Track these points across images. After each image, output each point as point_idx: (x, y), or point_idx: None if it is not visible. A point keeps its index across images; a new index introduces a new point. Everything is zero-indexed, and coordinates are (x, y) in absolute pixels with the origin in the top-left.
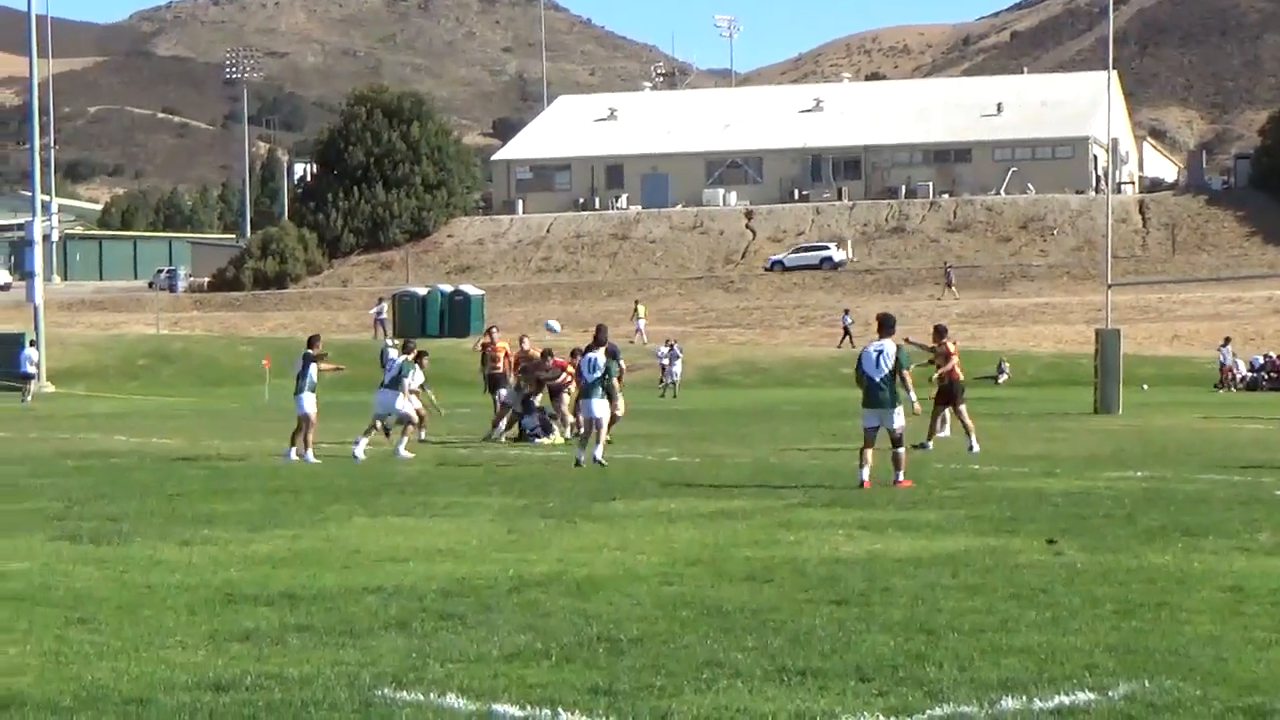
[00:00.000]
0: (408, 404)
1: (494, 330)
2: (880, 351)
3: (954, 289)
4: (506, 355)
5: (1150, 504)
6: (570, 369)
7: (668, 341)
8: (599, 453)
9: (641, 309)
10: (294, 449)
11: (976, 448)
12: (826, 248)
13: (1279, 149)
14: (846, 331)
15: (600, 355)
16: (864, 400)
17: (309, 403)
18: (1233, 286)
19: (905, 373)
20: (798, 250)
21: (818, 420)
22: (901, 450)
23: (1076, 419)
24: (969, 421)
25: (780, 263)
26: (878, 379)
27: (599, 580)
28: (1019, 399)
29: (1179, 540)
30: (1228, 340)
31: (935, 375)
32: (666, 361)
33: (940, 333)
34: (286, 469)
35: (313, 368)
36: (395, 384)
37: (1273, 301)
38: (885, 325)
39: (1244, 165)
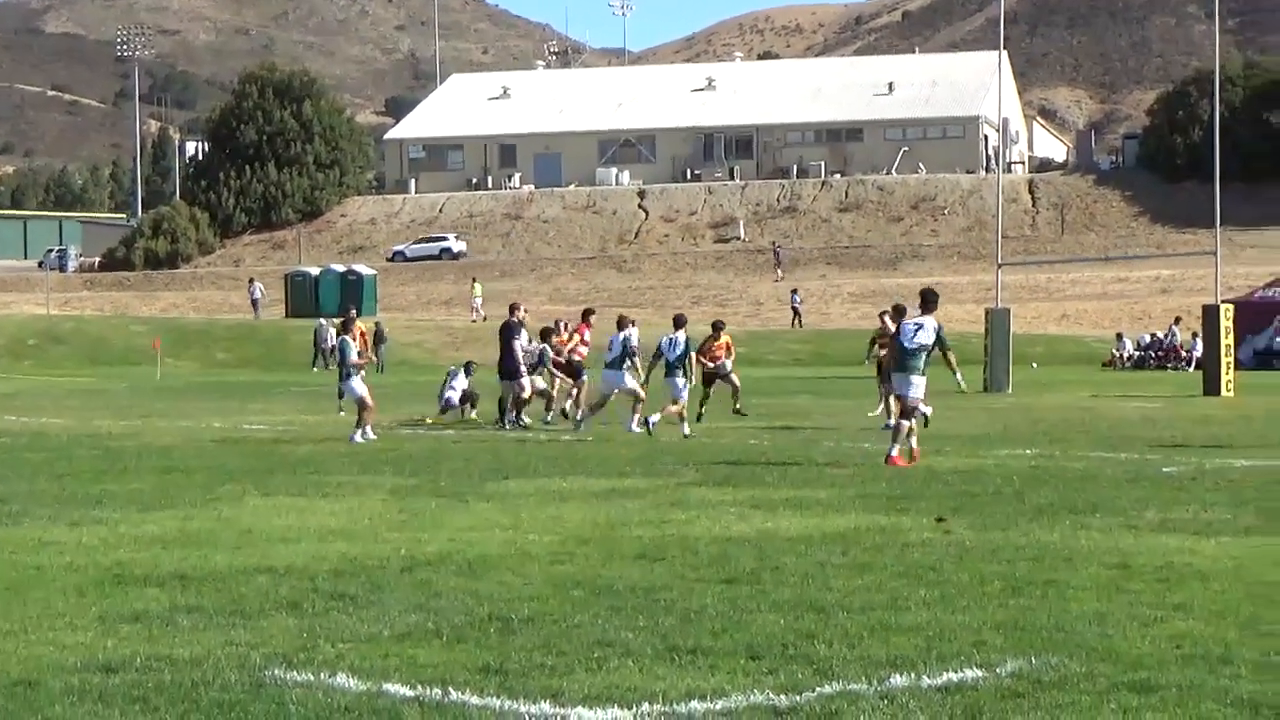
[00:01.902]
0: (361, 386)
1: (352, 311)
2: (920, 327)
3: (782, 269)
4: (363, 335)
5: (1038, 482)
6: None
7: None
8: (654, 419)
9: (478, 288)
10: (359, 431)
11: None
12: (445, 239)
13: (1166, 129)
14: (796, 312)
15: (682, 335)
16: (894, 366)
17: (359, 386)
18: (1120, 266)
19: (949, 353)
20: (420, 241)
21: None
22: (905, 423)
23: (966, 397)
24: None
25: (401, 253)
26: (909, 346)
27: (490, 560)
28: None
29: (1066, 518)
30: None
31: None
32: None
33: (900, 312)
34: (179, 449)
35: (352, 350)
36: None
37: (1160, 281)
38: (928, 301)
39: (1132, 145)
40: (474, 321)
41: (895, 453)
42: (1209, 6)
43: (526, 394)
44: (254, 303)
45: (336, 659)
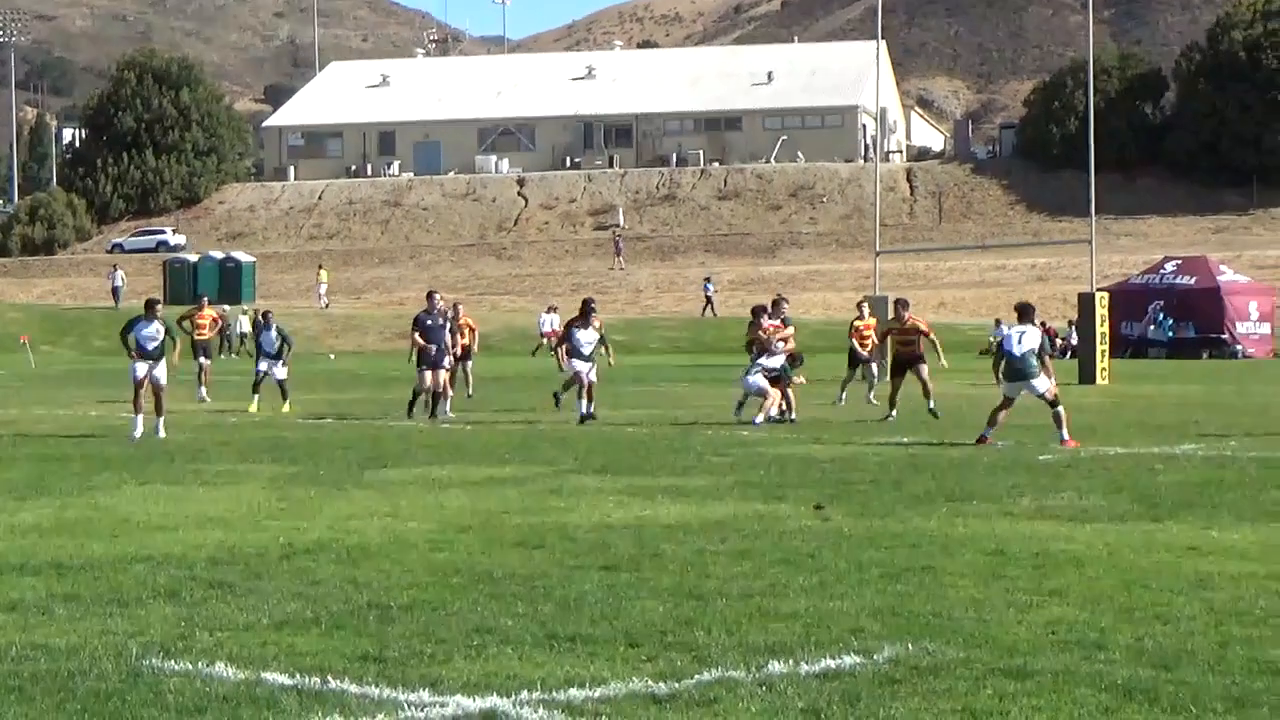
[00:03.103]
0: (283, 370)
1: (205, 298)
2: (1023, 333)
3: (622, 258)
4: (214, 321)
5: (916, 469)
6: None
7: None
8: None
9: (324, 274)
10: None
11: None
12: (163, 232)
13: (1042, 119)
14: (709, 300)
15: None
16: (1007, 374)
17: (581, 366)
18: (997, 254)
19: (1047, 357)
20: (138, 234)
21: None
22: (1060, 409)
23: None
24: (930, 384)
25: (120, 245)
26: (1019, 354)
27: (369, 548)
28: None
29: (943, 505)
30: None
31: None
32: None
33: (902, 305)
34: (55, 437)
35: (580, 339)
36: (278, 356)
37: (1036, 269)
38: (1025, 314)
39: (1009, 135)
40: (322, 308)
41: (1066, 435)
42: None
43: (440, 386)
44: (114, 291)
45: (215, 648)
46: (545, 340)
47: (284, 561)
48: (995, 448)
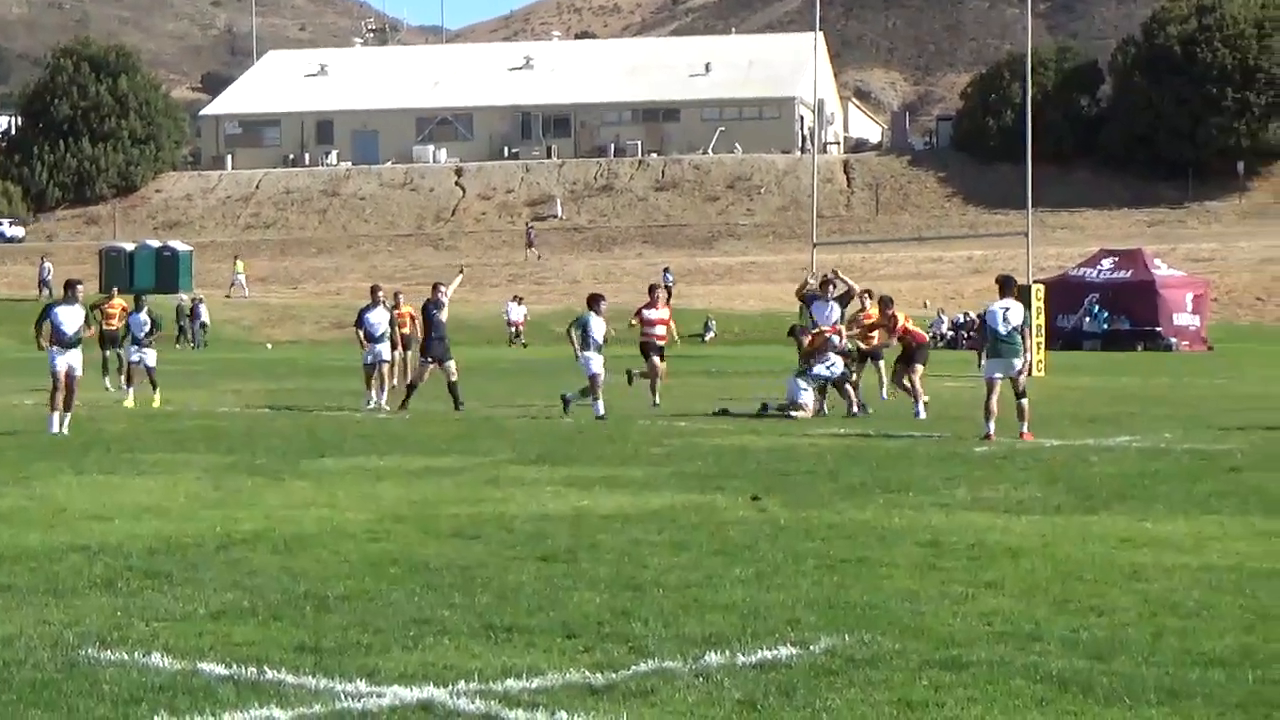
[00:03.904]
0: (152, 355)
1: (115, 289)
2: (1007, 309)
3: (534, 249)
4: (124, 311)
5: (852, 460)
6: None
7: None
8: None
9: (240, 264)
10: (600, 403)
11: (923, 414)
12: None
13: (979, 112)
14: (668, 290)
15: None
16: (991, 353)
17: (597, 363)
18: (934, 246)
19: (1027, 330)
20: None
21: (528, 378)
22: (1025, 401)
23: (782, 376)
24: (919, 387)
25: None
26: (1004, 332)
27: (306, 538)
28: (725, 356)
29: (879, 496)
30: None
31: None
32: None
33: (886, 303)
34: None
35: (594, 327)
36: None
37: (972, 261)
38: (1007, 286)
39: (945, 127)
40: (227, 298)
41: (1027, 429)
42: None
43: (454, 375)
44: (42, 282)
45: (151, 638)
46: (514, 330)
47: (220, 552)
48: (992, 443)
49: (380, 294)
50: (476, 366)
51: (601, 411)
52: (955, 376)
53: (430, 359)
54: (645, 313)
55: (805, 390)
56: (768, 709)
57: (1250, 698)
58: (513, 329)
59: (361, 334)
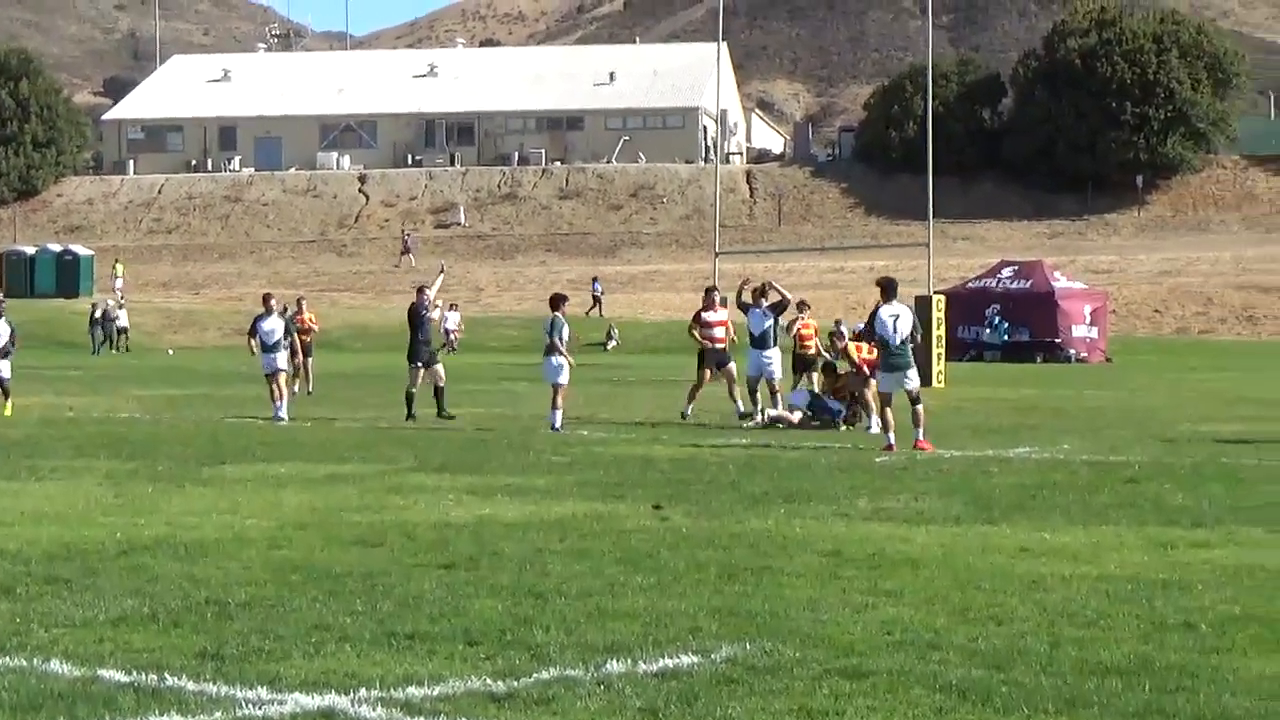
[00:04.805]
0: (7, 365)
1: None
2: (896, 317)
3: (411, 256)
4: None
5: (754, 470)
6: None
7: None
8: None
9: (119, 268)
10: (559, 414)
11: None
12: None
13: (881, 123)
14: (596, 300)
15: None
16: (884, 367)
17: (566, 372)
18: (836, 257)
19: (918, 337)
20: None
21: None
22: (920, 408)
23: (685, 385)
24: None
25: None
26: (895, 344)
27: (207, 544)
28: (628, 365)
29: (781, 505)
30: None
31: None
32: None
33: (838, 336)
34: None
35: (565, 330)
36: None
37: (874, 271)
38: (891, 289)
39: (848, 138)
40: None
41: (923, 436)
42: (924, 3)
43: (442, 381)
44: None
45: (50, 644)
46: (451, 338)
47: (121, 558)
48: (894, 453)
49: (273, 302)
50: (398, 373)
51: (558, 424)
52: None
53: (418, 364)
54: (704, 315)
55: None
56: (669, 717)
57: (1147, 707)
58: (449, 335)
59: (255, 342)
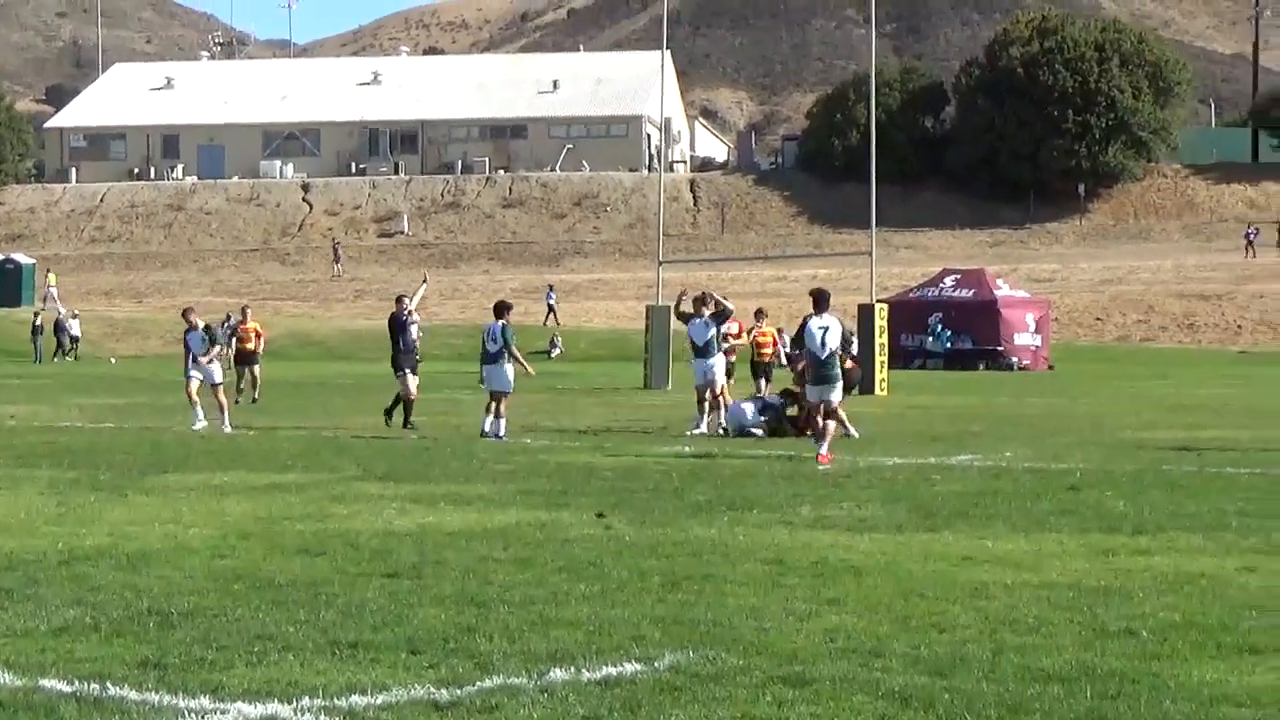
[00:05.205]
0: None
1: None
2: (825, 329)
3: (341, 264)
4: None
5: (697, 478)
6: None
7: (227, 315)
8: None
9: (52, 277)
10: (503, 421)
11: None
12: None
13: (824, 131)
14: (550, 309)
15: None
16: (811, 378)
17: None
18: (779, 265)
19: (849, 348)
20: None
21: (373, 394)
22: (831, 423)
23: (627, 394)
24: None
25: None
26: (824, 356)
27: (150, 553)
28: (572, 374)
29: (724, 514)
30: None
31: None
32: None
33: (758, 316)
34: None
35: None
36: None
37: (817, 280)
38: (822, 301)
39: (791, 146)
40: (65, 312)
41: (825, 450)
42: (867, 11)
43: (414, 394)
44: None
45: None
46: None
47: (63, 567)
48: (831, 462)
49: (193, 317)
50: (342, 381)
51: (502, 433)
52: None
53: (404, 371)
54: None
55: (748, 414)
56: None
57: (1088, 714)
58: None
59: (190, 357)
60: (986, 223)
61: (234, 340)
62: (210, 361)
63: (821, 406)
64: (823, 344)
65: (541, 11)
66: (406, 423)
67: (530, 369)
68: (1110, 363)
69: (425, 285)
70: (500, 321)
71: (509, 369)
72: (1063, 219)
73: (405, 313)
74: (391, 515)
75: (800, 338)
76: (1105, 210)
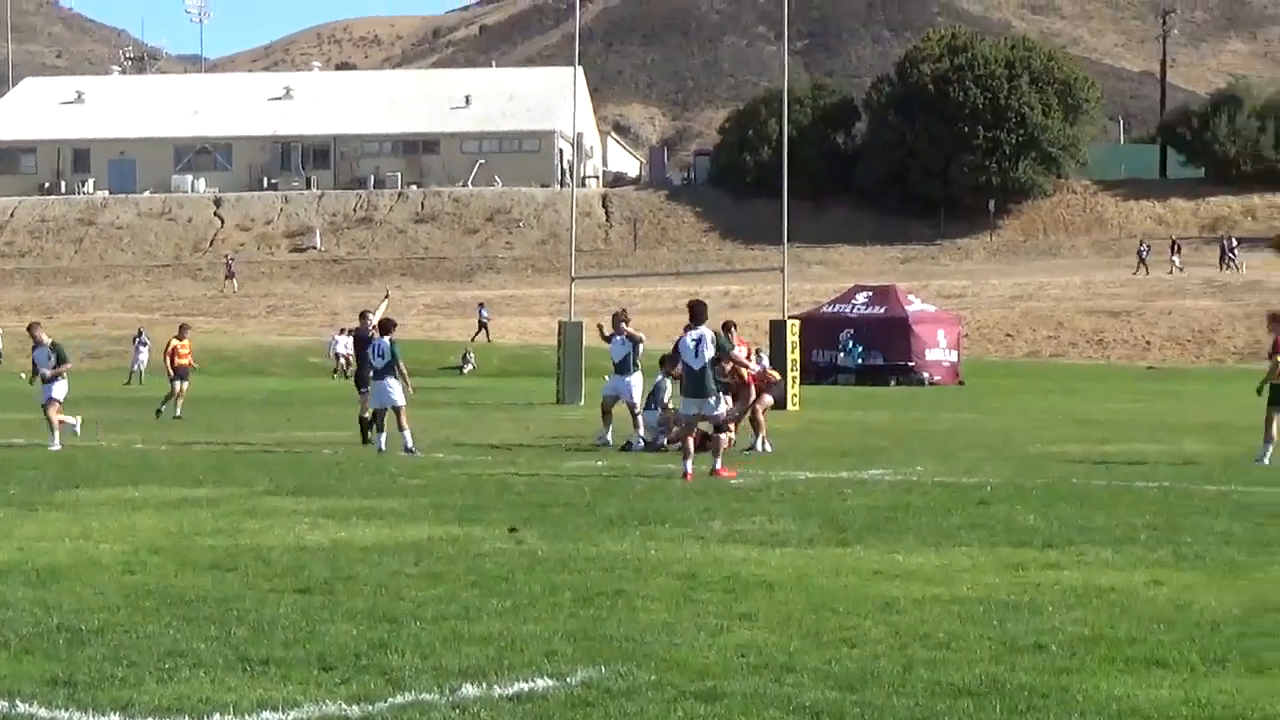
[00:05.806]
0: None
1: None
2: (699, 340)
3: (234, 280)
4: None
5: (609, 493)
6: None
7: (139, 330)
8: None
9: None
10: (408, 433)
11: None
12: None
13: (736, 147)
14: (483, 325)
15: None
16: (684, 390)
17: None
18: (691, 281)
19: (725, 361)
20: None
21: (284, 408)
22: (722, 436)
23: (540, 409)
24: (764, 421)
25: None
26: (697, 368)
27: (60, 569)
28: (484, 389)
29: (637, 528)
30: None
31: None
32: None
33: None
34: None
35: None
36: None
37: (729, 296)
38: (697, 313)
39: (703, 162)
40: None
41: (720, 464)
42: (778, 28)
43: (368, 412)
44: None
45: None
46: (341, 362)
47: None
48: (736, 478)
49: (39, 333)
50: (252, 397)
51: (410, 443)
52: None
53: (365, 389)
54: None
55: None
56: None
57: None
58: (340, 360)
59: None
60: (898, 238)
61: (172, 356)
62: (52, 379)
63: (713, 420)
64: (696, 355)
65: (454, 27)
66: (365, 438)
67: (410, 386)
68: (1020, 378)
69: (387, 301)
70: (386, 338)
71: (394, 384)
72: (973, 235)
73: (369, 328)
74: (303, 530)
75: (676, 351)
76: (1015, 226)
